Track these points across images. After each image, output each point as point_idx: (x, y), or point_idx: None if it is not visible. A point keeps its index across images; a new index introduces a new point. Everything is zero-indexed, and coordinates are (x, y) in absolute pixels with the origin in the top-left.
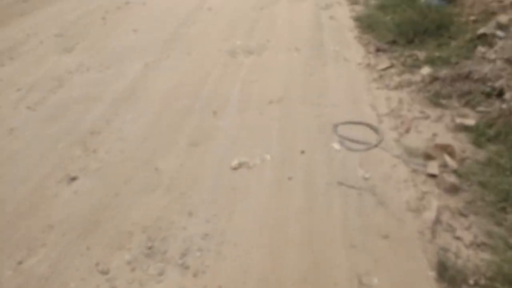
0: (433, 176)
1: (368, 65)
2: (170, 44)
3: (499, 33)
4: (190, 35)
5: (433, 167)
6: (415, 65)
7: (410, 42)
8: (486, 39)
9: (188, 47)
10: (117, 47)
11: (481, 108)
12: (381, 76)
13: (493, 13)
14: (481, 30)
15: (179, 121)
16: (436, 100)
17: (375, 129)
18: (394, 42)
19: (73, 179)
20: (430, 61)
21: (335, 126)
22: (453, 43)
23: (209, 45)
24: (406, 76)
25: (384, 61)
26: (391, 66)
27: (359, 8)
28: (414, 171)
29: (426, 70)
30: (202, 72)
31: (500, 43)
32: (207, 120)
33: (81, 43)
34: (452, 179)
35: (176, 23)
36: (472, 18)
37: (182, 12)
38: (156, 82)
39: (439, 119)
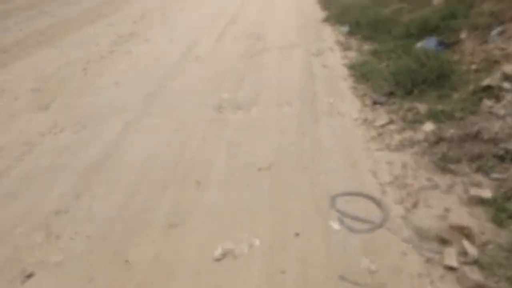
0: (451, 268)
1: (365, 120)
2: (153, 98)
3: (506, 85)
4: (175, 88)
5: (450, 256)
6: (417, 121)
7: (408, 93)
8: (491, 92)
9: (172, 102)
10: (96, 104)
11: (495, 175)
12: (380, 134)
13: (496, 62)
14: (486, 82)
15: (157, 196)
16: (444, 165)
17: (378, 203)
18: (391, 94)
19: (29, 276)
20: (433, 116)
21: (333, 198)
22: (456, 95)
23: (194, 99)
24: (408, 134)
25: (382, 116)
26: (390, 121)
27: (352, 55)
28: (429, 260)
29: (429, 127)
30: (185, 133)
31: (508, 96)
32: (188, 194)
33: (57, 99)
34: (475, 275)
35: (161, 73)
36: (473, 67)
37: (168, 61)
38: (134, 146)
39: (449, 189)
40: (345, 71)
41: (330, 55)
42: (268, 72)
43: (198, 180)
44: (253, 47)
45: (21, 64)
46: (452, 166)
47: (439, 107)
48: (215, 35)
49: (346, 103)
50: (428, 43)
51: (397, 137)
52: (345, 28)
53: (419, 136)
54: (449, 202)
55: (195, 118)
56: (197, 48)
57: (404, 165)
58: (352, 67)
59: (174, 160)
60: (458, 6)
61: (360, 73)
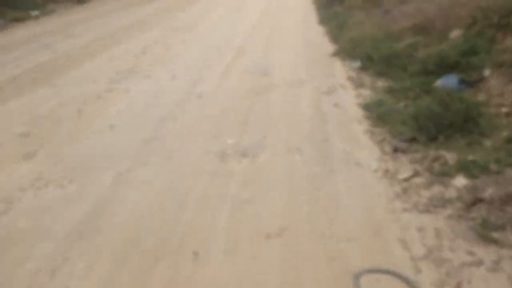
0: None
1: (387, 172)
2: (149, 144)
3: None
4: (175, 132)
5: None
6: (446, 173)
7: (433, 139)
8: None
9: (170, 148)
10: (87, 151)
11: None
12: (405, 190)
13: None
14: None
15: (147, 272)
16: (485, 233)
17: (413, 286)
18: (413, 139)
19: None
20: (464, 168)
21: (357, 276)
22: (487, 143)
23: (195, 145)
24: (437, 189)
25: (405, 167)
26: (415, 174)
27: (366, 93)
28: None
29: (460, 181)
30: (183, 189)
31: None
32: (183, 269)
33: (46, 146)
34: None
35: (161, 114)
36: (504, 110)
37: (169, 101)
38: (124, 206)
39: (496, 265)
40: (359, 112)
41: (342, 93)
42: (276, 112)
43: (196, 251)
44: (260, 84)
45: (12, 104)
46: (496, 235)
47: (470, 157)
48: (219, 70)
49: (364, 150)
50: (448, 82)
51: (425, 194)
52: (357, 63)
53: (451, 193)
54: (497, 284)
55: (195, 170)
56: (200, 84)
57: (438, 233)
58: (367, 107)
59: (168, 224)
60: (478, 41)
61: (376, 115)
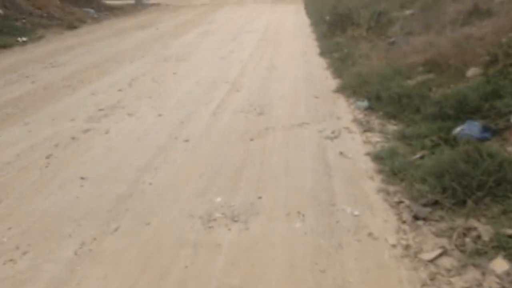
0: None
1: (407, 248)
2: (124, 203)
3: None
4: (155, 187)
5: None
6: (481, 253)
7: (459, 203)
8: None
9: (148, 209)
10: (50, 211)
11: None
12: (433, 277)
13: None
14: None
15: None
16: None
17: None
18: (436, 203)
19: None
20: (502, 246)
21: None
22: None
23: (177, 204)
24: (472, 276)
25: (430, 241)
26: (443, 252)
27: (375, 138)
28: None
29: (501, 266)
30: (158, 269)
31: None
32: None
33: (4, 202)
34: None
35: (141, 164)
36: None
37: (152, 145)
38: None
39: None
40: (369, 164)
41: (348, 139)
42: (273, 163)
43: None
44: (255, 126)
45: None
46: None
47: (508, 230)
48: (211, 107)
49: (377, 216)
50: (470, 129)
51: (458, 283)
52: (363, 103)
53: (490, 282)
54: None
55: (175, 240)
56: (188, 126)
57: None
58: (378, 158)
59: None
60: (501, 82)
61: (390, 168)
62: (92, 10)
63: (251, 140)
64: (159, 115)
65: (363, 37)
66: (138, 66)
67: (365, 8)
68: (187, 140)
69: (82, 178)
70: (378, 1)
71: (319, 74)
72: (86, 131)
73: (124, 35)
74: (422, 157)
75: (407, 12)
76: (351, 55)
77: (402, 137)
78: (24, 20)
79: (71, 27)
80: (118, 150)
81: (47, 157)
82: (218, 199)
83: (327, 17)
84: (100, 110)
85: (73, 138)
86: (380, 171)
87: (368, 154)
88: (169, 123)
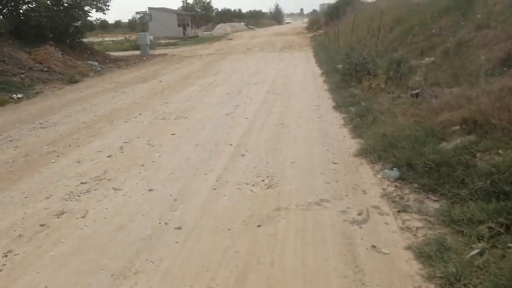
0: None
1: None
2: None
3: None
4: None
5: None
6: None
7: None
8: None
9: None
10: None
11: None
12: None
13: None
14: None
15: None
16: None
17: None
18: None
19: None
20: None
21: None
22: None
23: None
24: None
25: None
26: None
27: (414, 223)
28: None
29: None
30: None
31: None
32: None
33: None
34: None
35: (117, 266)
36: None
37: (133, 238)
38: None
39: None
40: (413, 265)
41: (380, 223)
42: (286, 264)
43: None
44: (263, 205)
45: None
46: None
47: None
48: (210, 180)
49: None
50: None
51: None
52: (393, 172)
53: None
54: None
55: None
56: (182, 206)
57: None
58: (423, 255)
59: None
60: None
61: (443, 274)
62: (96, 63)
63: (258, 226)
64: (150, 189)
65: (381, 89)
66: (134, 126)
67: (381, 56)
68: (179, 228)
69: None
70: (394, 48)
71: (336, 132)
72: (60, 214)
73: (124, 89)
74: (481, 254)
75: (428, 60)
76: (370, 109)
77: (450, 221)
78: (22, 75)
79: (72, 81)
80: (92, 244)
81: (4, 256)
82: None
83: (339, 66)
84: (83, 183)
85: (42, 225)
86: (430, 278)
87: (409, 248)
88: (159, 202)
